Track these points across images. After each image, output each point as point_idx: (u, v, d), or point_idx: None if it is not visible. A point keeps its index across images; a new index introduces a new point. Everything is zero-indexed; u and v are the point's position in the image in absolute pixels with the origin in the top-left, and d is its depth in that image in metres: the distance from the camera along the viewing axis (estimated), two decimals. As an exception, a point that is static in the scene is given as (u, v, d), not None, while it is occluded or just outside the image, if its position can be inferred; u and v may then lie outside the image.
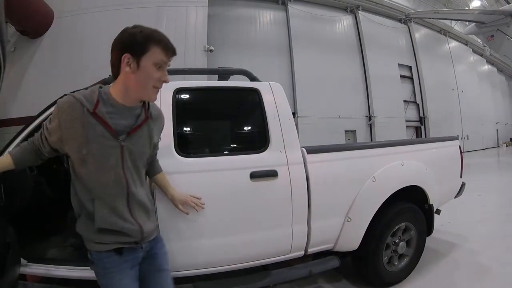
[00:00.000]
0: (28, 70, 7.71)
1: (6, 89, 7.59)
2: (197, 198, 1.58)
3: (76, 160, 1.11)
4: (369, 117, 13.62)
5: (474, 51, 20.72)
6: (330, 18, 13.42)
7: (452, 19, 16.31)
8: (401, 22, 15.71)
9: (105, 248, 1.13)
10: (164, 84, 1.95)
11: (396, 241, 2.26)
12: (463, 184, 2.83)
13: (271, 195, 1.84)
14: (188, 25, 8.28)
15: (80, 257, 2.10)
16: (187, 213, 1.56)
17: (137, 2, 8.18)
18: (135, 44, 1.04)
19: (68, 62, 7.56)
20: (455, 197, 2.85)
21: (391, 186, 2.15)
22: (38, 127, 1.83)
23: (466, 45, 19.98)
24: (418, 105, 15.84)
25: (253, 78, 2.26)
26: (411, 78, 15.73)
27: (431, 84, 15.87)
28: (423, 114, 15.82)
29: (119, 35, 1.09)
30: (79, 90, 1.17)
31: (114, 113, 1.09)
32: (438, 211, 2.60)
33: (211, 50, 8.23)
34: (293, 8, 12.39)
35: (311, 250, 1.99)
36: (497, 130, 22.70)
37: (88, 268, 1.80)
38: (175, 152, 1.78)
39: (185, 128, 2.02)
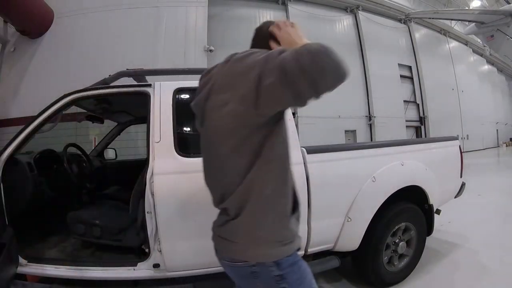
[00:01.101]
0: (28, 70, 7.71)
1: (6, 89, 7.61)
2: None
3: (277, 129, 0.86)
4: (369, 117, 13.61)
5: (474, 51, 20.70)
6: (330, 18, 13.41)
7: (452, 19, 16.29)
8: (401, 22, 15.70)
9: (297, 246, 0.92)
10: (164, 84, 1.97)
11: (396, 241, 2.26)
12: (463, 184, 2.83)
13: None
14: (188, 25, 8.29)
15: (80, 257, 2.10)
16: None
17: (137, 2, 8.18)
18: None
19: (68, 62, 7.56)
20: (455, 197, 2.85)
21: (391, 186, 2.15)
22: (38, 127, 1.84)
23: (466, 45, 19.97)
24: (418, 105, 15.84)
25: (253, 78, 2.26)
26: (411, 78, 15.72)
27: (431, 84, 15.86)
28: (423, 114, 15.81)
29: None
30: None
31: None
32: (438, 211, 2.60)
33: (211, 50, 8.23)
34: (293, 8, 12.38)
35: (311, 250, 1.99)
36: (497, 130, 22.68)
37: (88, 268, 1.82)
38: (175, 152, 1.78)
39: (185, 128, 2.02)
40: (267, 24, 1.01)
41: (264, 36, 0.98)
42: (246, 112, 0.79)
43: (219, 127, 0.85)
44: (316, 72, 0.70)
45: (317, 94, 0.74)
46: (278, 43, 0.94)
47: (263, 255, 0.87)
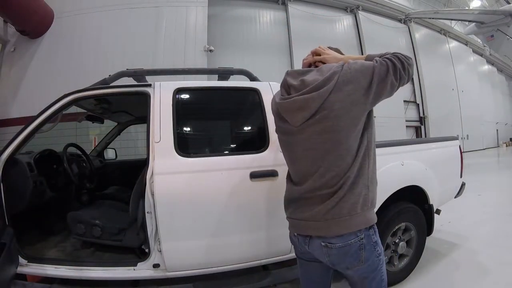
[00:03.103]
0: (28, 70, 7.70)
1: (6, 89, 7.61)
2: None
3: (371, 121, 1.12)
4: (369, 117, 13.60)
5: (474, 51, 20.69)
6: (330, 18, 13.42)
7: (452, 19, 16.28)
8: (401, 22, 15.70)
9: None
10: (164, 84, 1.97)
11: (396, 241, 2.26)
12: (463, 184, 2.83)
13: (271, 195, 1.84)
14: (188, 25, 8.28)
15: (80, 257, 2.10)
16: None
17: (137, 2, 8.17)
18: None
19: (68, 62, 7.55)
20: (455, 197, 2.85)
21: (391, 186, 2.14)
22: (38, 127, 1.84)
23: (466, 45, 19.96)
24: (418, 105, 15.83)
25: (253, 78, 2.26)
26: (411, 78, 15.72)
27: (431, 84, 15.85)
28: (423, 114, 15.81)
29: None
30: None
31: None
32: (438, 211, 2.60)
33: (211, 50, 8.22)
34: (293, 8, 12.38)
35: (311, 250, 1.99)
36: (497, 130, 22.69)
37: (88, 268, 1.83)
38: (175, 152, 1.78)
39: (185, 128, 2.02)
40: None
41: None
42: (363, 101, 1.03)
43: (343, 115, 1.03)
44: (409, 65, 1.07)
45: (406, 82, 1.09)
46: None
47: (371, 219, 1.09)
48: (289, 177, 1.24)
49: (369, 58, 1.13)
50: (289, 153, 1.19)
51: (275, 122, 1.24)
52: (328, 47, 1.27)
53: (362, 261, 1.07)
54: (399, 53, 1.09)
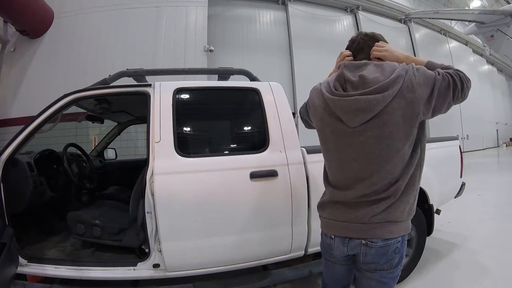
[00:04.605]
0: (28, 70, 7.70)
1: (6, 89, 7.61)
2: None
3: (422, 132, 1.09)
4: (369, 117, 13.59)
5: (474, 51, 20.68)
6: (330, 18, 13.40)
7: (452, 19, 16.27)
8: (401, 22, 15.69)
9: None
10: (164, 84, 1.97)
11: (396, 241, 2.26)
12: (463, 184, 2.83)
13: (271, 195, 1.84)
14: (188, 25, 8.28)
15: (80, 257, 2.10)
16: None
17: (137, 2, 8.17)
18: None
19: (68, 62, 7.56)
20: (455, 197, 2.85)
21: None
22: (38, 127, 1.84)
23: (466, 45, 19.95)
24: (418, 105, 15.83)
25: (253, 78, 2.26)
26: (411, 78, 15.70)
27: (431, 84, 15.84)
28: (423, 114, 15.81)
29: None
30: None
31: None
32: (438, 211, 2.60)
33: (211, 50, 8.22)
34: (293, 8, 12.37)
35: (311, 250, 1.99)
36: (497, 130, 22.68)
37: (88, 268, 1.82)
38: (175, 152, 1.78)
39: (185, 128, 2.02)
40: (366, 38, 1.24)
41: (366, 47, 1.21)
42: (422, 112, 1.00)
43: (402, 123, 1.00)
44: (468, 88, 1.05)
45: (461, 101, 1.07)
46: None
47: (410, 226, 1.10)
48: (327, 180, 1.20)
49: (430, 65, 1.09)
50: (338, 155, 1.11)
51: (319, 118, 1.14)
52: (374, 35, 1.22)
53: (393, 265, 1.08)
54: (462, 72, 1.04)
